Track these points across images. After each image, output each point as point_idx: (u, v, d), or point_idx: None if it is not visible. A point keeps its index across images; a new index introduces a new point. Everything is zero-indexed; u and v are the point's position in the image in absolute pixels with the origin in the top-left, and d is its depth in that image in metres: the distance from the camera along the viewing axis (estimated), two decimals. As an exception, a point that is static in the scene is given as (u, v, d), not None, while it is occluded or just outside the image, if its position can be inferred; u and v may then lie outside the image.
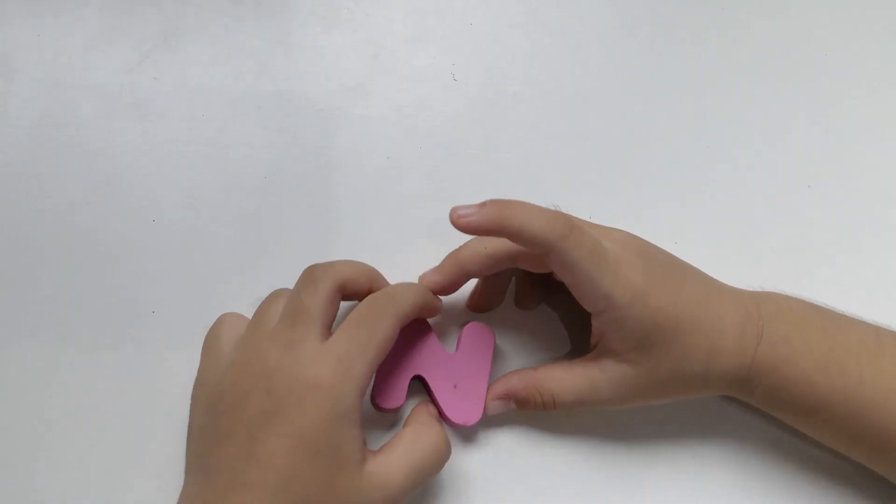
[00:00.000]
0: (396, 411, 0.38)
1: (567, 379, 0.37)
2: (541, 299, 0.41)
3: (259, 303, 0.36)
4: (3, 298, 0.40)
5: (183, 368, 0.38)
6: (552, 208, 0.37)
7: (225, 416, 0.32)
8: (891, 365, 0.35)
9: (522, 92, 0.47)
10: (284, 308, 0.34)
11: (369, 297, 0.35)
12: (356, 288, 0.35)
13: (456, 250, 0.38)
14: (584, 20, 0.49)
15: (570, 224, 0.33)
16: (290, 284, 0.41)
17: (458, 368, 0.38)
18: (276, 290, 0.36)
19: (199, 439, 0.33)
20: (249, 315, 0.36)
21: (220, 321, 0.36)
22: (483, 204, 0.34)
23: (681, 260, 0.38)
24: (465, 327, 0.39)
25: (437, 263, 0.40)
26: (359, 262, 0.37)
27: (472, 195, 0.44)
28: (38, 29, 0.46)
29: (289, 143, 0.44)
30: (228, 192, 0.43)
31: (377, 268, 0.42)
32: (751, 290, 0.38)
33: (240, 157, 0.44)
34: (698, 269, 0.38)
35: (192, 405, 0.35)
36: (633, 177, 0.45)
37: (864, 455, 0.37)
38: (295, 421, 0.31)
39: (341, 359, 0.32)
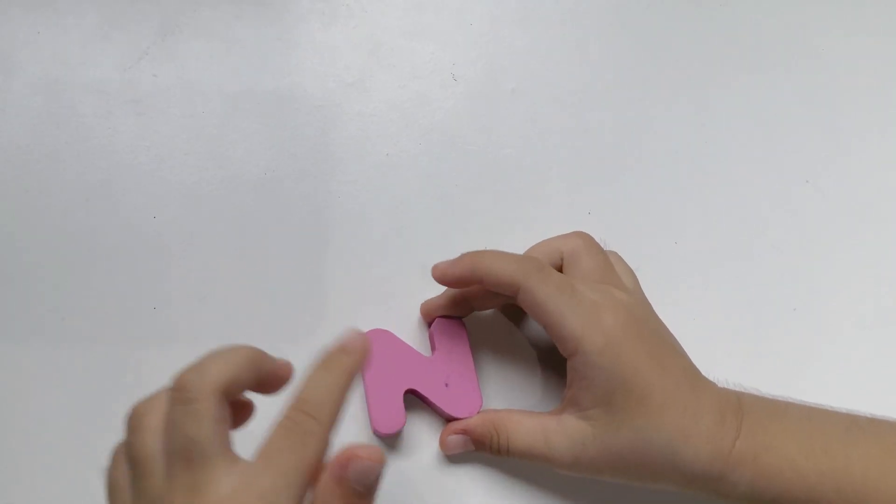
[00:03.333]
0: (400, 433, 0.38)
1: (525, 424, 0.36)
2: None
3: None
4: (2, 296, 0.41)
5: (182, 365, 0.38)
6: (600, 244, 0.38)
7: None
8: (874, 446, 0.33)
9: (521, 88, 0.47)
10: (167, 445, 0.26)
11: (288, 410, 0.28)
12: (242, 386, 0.28)
13: (476, 254, 0.36)
14: (582, 16, 0.49)
15: (538, 264, 0.34)
16: (291, 283, 0.41)
17: (442, 367, 0.38)
18: (136, 409, 0.29)
19: None
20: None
21: (115, 461, 0.29)
22: (458, 256, 0.36)
23: (673, 343, 0.36)
24: (433, 325, 0.39)
25: (435, 261, 0.40)
26: (233, 351, 0.29)
27: (472, 191, 0.44)
28: (38, 26, 0.46)
29: (288, 140, 0.44)
30: (228, 189, 0.43)
31: (377, 267, 0.42)
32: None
33: (239, 153, 0.44)
34: (687, 357, 0.36)
35: None
36: (632, 172, 0.45)
37: None
38: None
39: (264, 496, 0.25)
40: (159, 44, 0.46)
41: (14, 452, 0.38)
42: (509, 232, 0.43)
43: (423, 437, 0.39)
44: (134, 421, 0.28)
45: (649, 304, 0.37)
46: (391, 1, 0.48)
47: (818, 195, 0.45)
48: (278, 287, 0.41)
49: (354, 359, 0.29)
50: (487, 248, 0.37)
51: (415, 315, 0.41)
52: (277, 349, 0.40)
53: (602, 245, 0.39)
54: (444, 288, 0.40)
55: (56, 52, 0.46)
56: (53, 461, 0.38)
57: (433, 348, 0.39)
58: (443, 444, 0.38)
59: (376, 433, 0.37)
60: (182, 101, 0.45)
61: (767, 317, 0.42)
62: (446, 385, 0.38)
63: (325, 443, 0.27)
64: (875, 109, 0.48)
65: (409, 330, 0.41)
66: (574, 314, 0.33)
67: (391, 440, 0.39)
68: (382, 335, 0.38)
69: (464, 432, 0.37)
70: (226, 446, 0.27)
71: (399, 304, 0.41)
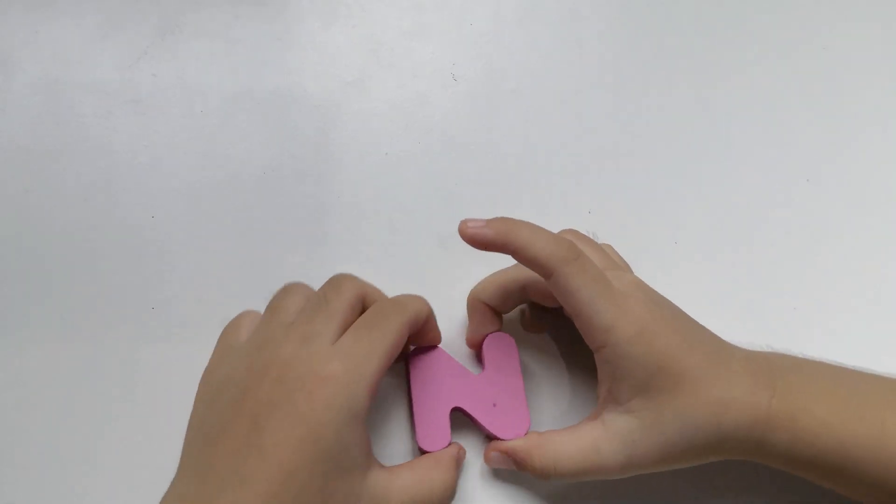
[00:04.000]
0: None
1: (570, 443, 0.34)
2: (548, 326, 0.41)
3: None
4: (1, 296, 0.41)
5: (182, 364, 0.38)
6: (589, 235, 0.38)
7: (229, 406, 0.31)
8: None
9: (521, 87, 0.47)
10: (306, 303, 0.34)
11: (377, 303, 0.34)
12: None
13: (514, 223, 0.35)
14: (582, 15, 0.49)
15: (575, 250, 0.33)
16: (287, 280, 0.41)
17: (490, 386, 0.37)
18: (289, 284, 0.36)
19: (195, 434, 0.32)
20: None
21: (240, 316, 0.36)
22: (492, 219, 0.34)
23: (689, 316, 0.36)
24: (485, 342, 0.38)
25: (435, 260, 0.40)
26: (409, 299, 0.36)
27: (471, 191, 0.44)
28: (37, 26, 0.46)
29: (287, 139, 0.44)
30: (227, 188, 0.43)
31: (377, 267, 0.42)
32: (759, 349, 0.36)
33: (238, 152, 0.44)
34: (706, 328, 0.36)
35: (195, 401, 0.34)
36: (632, 171, 0.45)
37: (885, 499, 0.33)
38: (304, 414, 0.30)
39: (352, 357, 0.31)
40: (159, 43, 0.46)
41: (14, 452, 0.38)
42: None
43: (469, 454, 0.38)
44: (281, 291, 0.35)
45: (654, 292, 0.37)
46: (391, 1, 0.48)
47: (819, 194, 0.45)
48: (277, 286, 0.41)
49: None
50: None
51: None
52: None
53: (594, 239, 0.39)
54: (449, 280, 0.40)
55: (55, 51, 0.46)
56: (53, 461, 0.38)
57: (483, 365, 0.38)
58: (486, 457, 0.37)
59: (421, 450, 0.36)
60: (181, 101, 0.45)
61: (768, 316, 0.42)
62: (494, 405, 0.37)
63: (405, 332, 0.33)
64: (876, 107, 0.48)
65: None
66: (605, 304, 0.33)
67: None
68: (431, 350, 0.38)
69: (507, 454, 0.36)
70: (344, 325, 0.33)
71: (398, 304, 0.41)
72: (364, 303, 0.35)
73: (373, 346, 0.32)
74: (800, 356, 0.36)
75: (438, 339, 0.38)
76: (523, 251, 0.33)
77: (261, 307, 0.40)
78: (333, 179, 0.44)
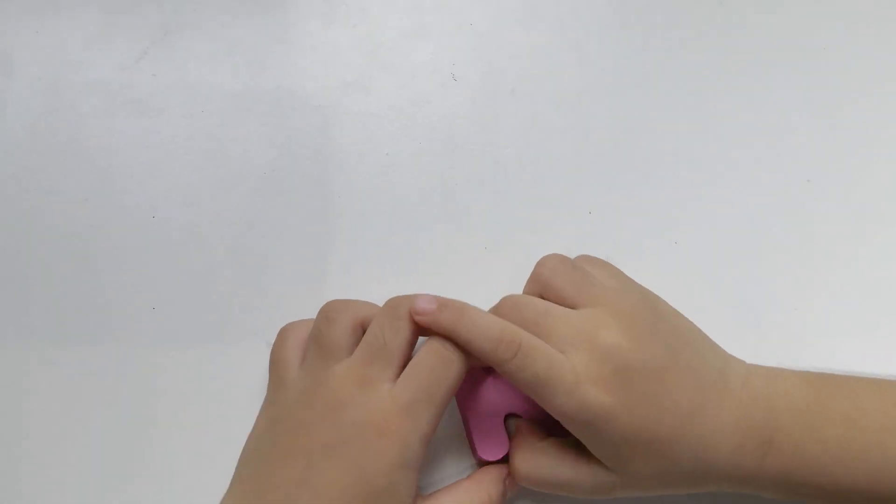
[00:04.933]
0: (505, 459, 0.36)
1: (558, 461, 0.35)
2: None
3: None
4: (1, 296, 0.41)
5: (182, 365, 0.38)
6: (603, 258, 0.38)
7: (287, 436, 0.32)
8: None
9: (521, 88, 0.47)
10: (365, 341, 0.34)
11: (435, 349, 0.33)
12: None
13: (459, 313, 0.34)
14: (583, 16, 0.49)
15: (514, 348, 0.32)
16: (289, 281, 0.41)
17: None
18: (330, 308, 0.35)
19: (254, 452, 0.33)
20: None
21: (282, 338, 0.36)
22: (441, 307, 0.33)
23: (681, 357, 0.34)
24: None
25: (435, 260, 0.40)
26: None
27: (472, 191, 0.44)
28: (37, 25, 0.46)
29: (287, 140, 0.44)
30: (228, 189, 0.43)
31: (377, 267, 0.42)
32: (764, 374, 0.35)
33: (239, 153, 0.44)
34: (704, 365, 0.34)
35: (256, 422, 0.35)
36: (633, 172, 0.45)
37: None
38: (358, 461, 0.31)
39: (410, 406, 0.32)
40: (159, 43, 0.46)
41: (13, 452, 0.38)
42: (509, 232, 0.43)
43: None
44: (332, 314, 0.35)
45: (640, 294, 0.36)
46: (391, 1, 0.48)
47: (820, 195, 0.45)
48: (278, 287, 0.41)
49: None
50: (468, 305, 0.34)
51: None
52: (277, 349, 0.40)
53: (608, 261, 0.39)
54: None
55: (55, 51, 0.46)
56: (53, 461, 0.38)
57: None
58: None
59: (481, 461, 0.36)
60: (181, 101, 0.45)
61: (769, 317, 0.42)
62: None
63: (459, 378, 0.33)
64: (878, 108, 0.48)
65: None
66: (557, 394, 0.32)
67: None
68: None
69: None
70: (402, 365, 0.33)
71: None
72: (423, 334, 0.34)
73: (430, 397, 0.32)
74: (812, 377, 0.35)
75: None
76: (464, 345, 0.33)
77: (261, 308, 0.41)
78: (333, 179, 0.44)
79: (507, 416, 0.37)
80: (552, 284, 0.36)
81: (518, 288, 0.41)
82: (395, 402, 0.32)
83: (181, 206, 0.43)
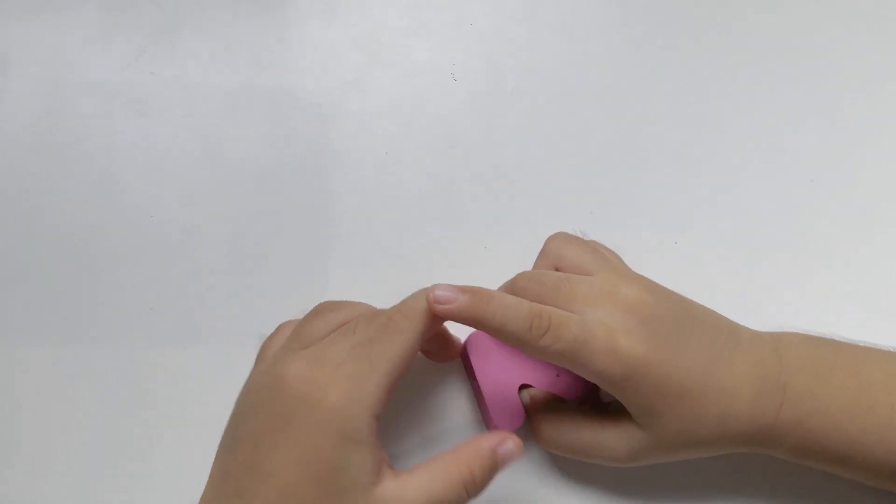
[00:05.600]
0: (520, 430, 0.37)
1: (584, 425, 0.36)
2: None
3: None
4: (0, 296, 0.40)
5: (180, 365, 0.38)
6: (577, 234, 0.38)
7: (240, 422, 0.32)
8: None
9: (522, 87, 0.47)
10: (337, 331, 0.33)
11: (383, 312, 0.33)
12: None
13: (485, 300, 0.33)
14: (583, 14, 0.49)
15: (545, 324, 0.32)
16: (289, 282, 0.41)
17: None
18: (321, 305, 0.35)
19: (223, 443, 0.33)
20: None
21: (276, 331, 0.36)
22: (463, 291, 0.32)
23: (694, 314, 0.36)
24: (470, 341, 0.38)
25: (435, 260, 0.40)
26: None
27: (472, 190, 0.44)
28: (36, 25, 0.46)
29: (287, 138, 0.44)
30: (226, 188, 0.43)
31: (377, 266, 0.42)
32: (770, 333, 0.37)
33: (238, 152, 0.44)
34: (714, 322, 0.36)
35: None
36: (634, 171, 0.45)
37: None
38: (300, 438, 0.30)
39: (350, 376, 0.31)
40: (158, 42, 0.46)
41: (12, 452, 0.38)
42: (510, 231, 0.43)
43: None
44: (322, 310, 0.35)
45: (647, 280, 0.37)
46: (391, 0, 0.48)
47: (823, 194, 0.45)
48: (277, 287, 0.41)
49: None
50: (494, 289, 0.34)
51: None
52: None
53: (582, 236, 0.39)
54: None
55: (54, 51, 0.45)
56: (53, 461, 0.37)
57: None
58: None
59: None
60: (181, 100, 0.45)
61: (770, 318, 0.42)
62: (557, 375, 0.37)
63: (412, 347, 0.32)
64: (880, 108, 0.47)
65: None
66: (592, 357, 0.33)
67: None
68: (486, 336, 0.38)
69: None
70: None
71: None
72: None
73: (373, 365, 0.31)
74: (814, 340, 0.36)
75: (455, 353, 0.38)
76: (494, 330, 0.33)
77: (260, 309, 0.41)
78: (333, 179, 0.44)
79: (520, 388, 0.37)
80: (566, 254, 0.37)
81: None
82: (336, 373, 0.31)
83: (180, 205, 0.43)
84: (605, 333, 0.33)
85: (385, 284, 0.41)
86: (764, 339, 0.36)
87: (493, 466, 0.32)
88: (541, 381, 0.37)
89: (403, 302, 0.33)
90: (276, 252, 0.42)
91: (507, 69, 0.47)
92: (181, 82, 0.45)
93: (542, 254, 0.39)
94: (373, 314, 0.33)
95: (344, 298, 0.41)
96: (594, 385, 0.36)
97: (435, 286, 0.32)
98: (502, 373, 0.37)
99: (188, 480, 0.37)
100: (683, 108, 0.47)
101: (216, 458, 0.33)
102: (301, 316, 0.40)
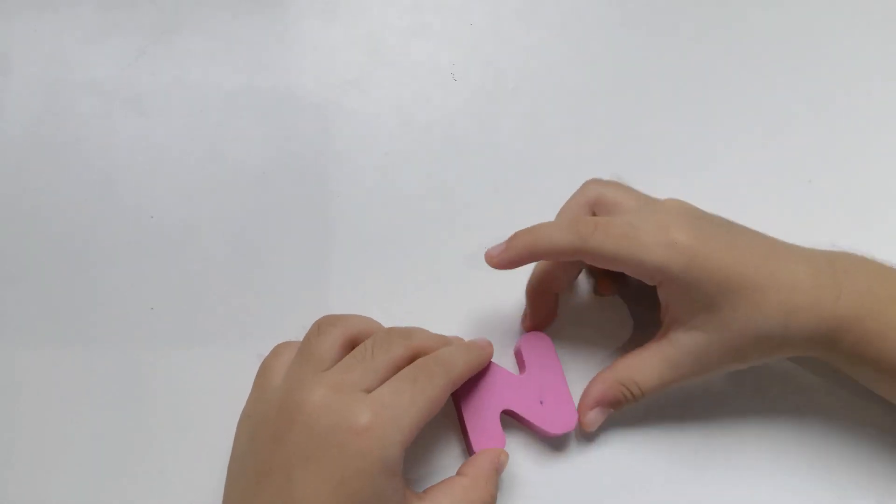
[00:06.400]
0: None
1: (645, 365, 0.36)
2: (618, 284, 0.41)
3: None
4: (0, 295, 0.40)
5: (181, 365, 0.38)
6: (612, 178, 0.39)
7: (265, 449, 0.31)
8: None
9: (522, 86, 0.47)
10: (351, 353, 0.33)
11: (421, 358, 0.33)
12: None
13: (528, 232, 0.36)
14: (583, 14, 0.49)
15: (591, 223, 0.34)
16: (288, 281, 0.41)
17: (534, 385, 0.37)
18: (324, 320, 0.35)
19: (238, 472, 0.32)
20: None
21: (275, 352, 0.35)
22: (510, 238, 0.35)
23: (739, 224, 0.37)
24: (520, 342, 0.39)
25: (434, 260, 0.40)
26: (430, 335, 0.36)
27: (471, 190, 0.44)
28: (35, 24, 0.46)
29: (287, 138, 0.44)
30: (226, 188, 0.43)
31: (377, 266, 0.42)
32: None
33: (237, 152, 0.44)
34: (759, 232, 0.37)
35: (236, 433, 0.34)
36: (633, 172, 0.45)
37: None
38: (337, 467, 0.29)
39: (388, 408, 0.30)
40: (157, 42, 0.46)
41: (10, 452, 0.38)
42: (510, 232, 0.43)
43: (520, 455, 0.38)
44: (324, 326, 0.34)
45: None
46: (391, 0, 0.48)
47: (821, 195, 0.45)
48: (277, 287, 0.41)
49: (486, 354, 0.36)
50: (536, 224, 0.36)
51: (414, 312, 0.41)
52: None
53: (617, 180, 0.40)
54: (440, 285, 0.40)
55: (54, 51, 0.45)
56: (52, 461, 0.37)
57: (522, 366, 0.38)
58: (584, 423, 0.37)
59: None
60: (180, 100, 0.45)
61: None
62: (541, 402, 0.37)
63: (445, 394, 0.32)
64: (879, 108, 0.47)
65: (408, 316, 0.40)
66: (647, 250, 0.33)
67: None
68: None
69: (598, 404, 0.37)
70: (383, 379, 0.32)
71: (399, 304, 0.41)
72: (415, 358, 0.34)
73: (413, 399, 0.31)
74: (863, 256, 0.36)
75: (486, 362, 0.37)
76: (548, 253, 0.35)
77: (260, 309, 0.41)
78: (333, 179, 0.44)
79: (502, 414, 0.37)
80: (605, 192, 0.37)
81: (517, 289, 0.41)
82: (374, 403, 0.30)
83: (180, 205, 0.43)
84: (656, 228, 0.34)
85: (385, 284, 0.41)
86: (813, 249, 0.36)
87: (497, 483, 0.35)
88: (523, 408, 0.37)
89: (440, 355, 0.34)
90: (276, 252, 0.42)
91: (507, 69, 0.47)
92: (181, 82, 0.45)
93: (579, 192, 0.39)
94: (386, 336, 0.34)
95: (344, 298, 0.41)
96: (575, 415, 0.37)
97: (487, 253, 0.36)
98: (485, 397, 0.37)
99: (188, 480, 0.37)
100: (683, 108, 0.47)
101: (233, 489, 0.32)
102: (300, 316, 0.40)
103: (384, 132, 0.45)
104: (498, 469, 0.35)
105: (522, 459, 0.38)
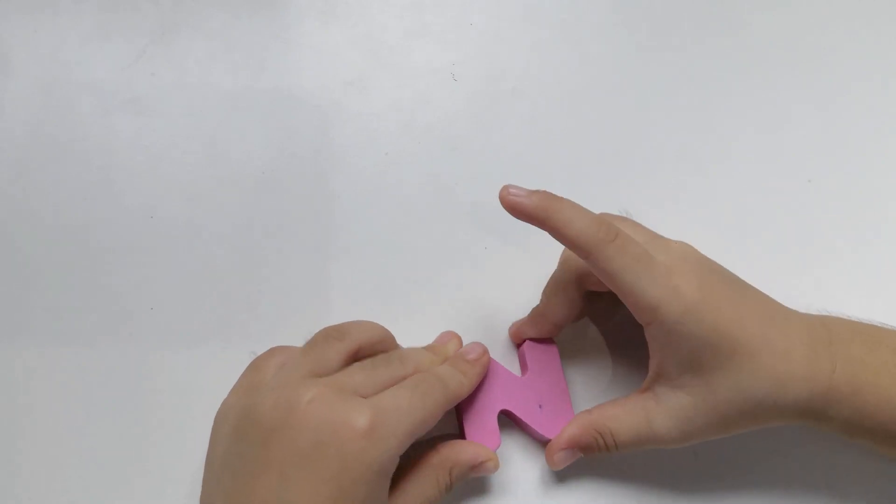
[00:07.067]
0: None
1: (623, 415, 0.34)
2: (584, 312, 0.39)
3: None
4: (0, 295, 0.40)
5: (180, 365, 0.38)
6: (620, 213, 0.37)
7: (258, 447, 0.30)
8: None
9: (521, 87, 0.47)
10: (358, 364, 0.33)
11: (420, 374, 0.33)
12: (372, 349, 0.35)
13: (557, 200, 0.34)
14: (583, 15, 0.49)
15: (613, 231, 0.32)
16: (289, 281, 0.41)
17: (535, 388, 0.37)
18: (334, 329, 0.34)
19: (223, 468, 0.31)
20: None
21: (270, 352, 0.34)
22: (535, 191, 0.33)
23: (744, 281, 0.35)
24: (524, 346, 0.39)
25: (435, 260, 0.40)
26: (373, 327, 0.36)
27: (472, 191, 0.44)
28: (35, 25, 0.46)
29: (286, 139, 0.44)
30: (226, 189, 0.43)
31: (377, 266, 0.42)
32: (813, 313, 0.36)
33: (237, 152, 0.44)
34: (762, 292, 0.35)
35: (216, 428, 0.33)
36: (633, 172, 0.45)
37: None
38: (334, 467, 0.29)
39: (387, 412, 0.30)
40: (157, 43, 0.46)
41: (11, 452, 0.37)
42: (510, 231, 0.43)
43: (516, 457, 0.38)
44: (334, 333, 0.34)
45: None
46: (391, 0, 0.48)
47: (821, 194, 0.45)
48: (277, 287, 0.41)
49: (482, 370, 0.36)
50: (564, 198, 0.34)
51: (414, 313, 0.41)
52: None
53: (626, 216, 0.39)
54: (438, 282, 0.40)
55: (54, 51, 0.45)
56: (50, 460, 0.37)
57: (524, 369, 0.38)
58: (551, 462, 0.36)
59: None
60: (180, 101, 0.45)
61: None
62: (540, 406, 0.37)
63: (441, 409, 0.32)
64: (878, 108, 0.47)
65: (408, 329, 0.41)
66: (650, 284, 0.32)
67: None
68: None
69: (569, 446, 0.35)
70: (382, 389, 0.32)
71: (399, 304, 0.41)
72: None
73: (412, 406, 0.31)
74: (856, 321, 0.35)
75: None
76: (562, 230, 0.33)
77: (260, 309, 0.40)
78: (333, 179, 0.44)
79: (500, 414, 0.37)
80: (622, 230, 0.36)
81: (517, 289, 0.41)
82: (374, 406, 0.30)
83: (180, 205, 0.42)
84: (665, 269, 0.32)
85: (385, 285, 0.41)
86: (809, 314, 0.35)
87: (466, 475, 0.34)
88: (522, 410, 0.37)
89: (440, 371, 0.34)
90: (276, 252, 0.42)
91: (508, 69, 0.47)
92: (181, 82, 0.45)
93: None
94: (388, 356, 0.34)
95: (344, 298, 0.41)
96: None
97: (506, 186, 0.33)
98: (484, 396, 0.36)
99: (187, 480, 0.37)
100: (682, 108, 0.47)
101: (216, 489, 0.31)
102: (300, 316, 0.40)
103: (384, 132, 0.45)
104: (473, 467, 0.34)
105: (521, 461, 0.38)
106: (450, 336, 0.38)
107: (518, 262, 0.42)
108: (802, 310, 0.36)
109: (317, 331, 0.39)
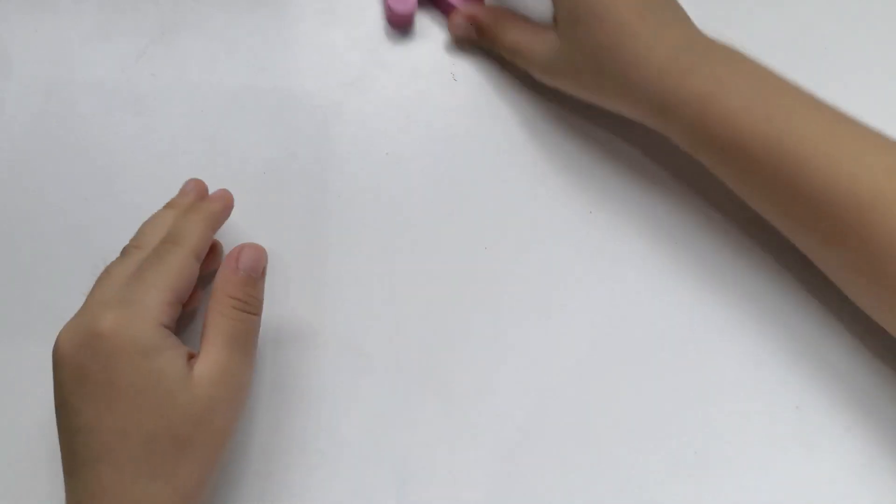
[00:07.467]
0: (411, 19, 0.45)
1: (518, 26, 0.42)
2: None
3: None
4: (0, 296, 0.40)
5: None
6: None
7: (66, 383, 0.33)
8: (822, 125, 0.35)
9: (521, 87, 0.47)
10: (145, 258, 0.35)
11: (161, 242, 0.35)
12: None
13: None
14: (583, 15, 0.49)
15: None
16: (289, 281, 0.41)
17: None
18: (151, 219, 0.37)
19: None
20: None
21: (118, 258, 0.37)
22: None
23: (682, 9, 0.39)
24: None
25: (434, 260, 0.40)
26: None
27: (473, 190, 0.44)
28: (36, 25, 0.46)
29: (287, 139, 0.44)
30: (226, 188, 0.43)
31: (376, 266, 0.42)
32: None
33: (238, 153, 0.44)
34: (697, 27, 0.39)
35: None
36: (633, 172, 0.45)
37: (788, 221, 0.37)
38: (101, 377, 0.31)
39: (125, 302, 0.32)
40: (158, 43, 0.46)
41: (11, 452, 0.38)
42: (510, 231, 0.43)
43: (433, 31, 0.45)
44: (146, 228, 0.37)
45: None
46: (391, 0, 0.48)
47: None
48: (276, 286, 0.41)
49: (219, 206, 0.38)
50: None
51: (414, 313, 0.41)
52: (277, 349, 0.40)
53: None
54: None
55: (54, 51, 0.45)
56: (52, 460, 0.37)
57: None
58: (451, 25, 0.45)
59: (391, 10, 0.44)
60: (180, 101, 0.45)
61: (770, 315, 0.42)
62: None
63: (186, 263, 0.34)
64: (880, 108, 0.47)
65: (409, 316, 0.41)
66: None
67: (402, 34, 0.46)
68: None
69: (469, 19, 0.44)
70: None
71: (399, 304, 0.41)
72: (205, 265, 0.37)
73: (151, 282, 0.33)
74: (748, 57, 0.37)
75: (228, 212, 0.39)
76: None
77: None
78: (333, 179, 0.44)
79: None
80: None
81: (517, 289, 0.41)
82: (114, 304, 0.33)
83: (180, 205, 0.42)
84: None
85: (385, 284, 0.41)
86: (705, 35, 0.38)
87: (250, 281, 0.35)
88: None
89: (169, 233, 0.35)
90: (276, 252, 0.42)
91: (507, 69, 0.47)
92: (181, 82, 0.45)
93: None
94: (134, 242, 0.36)
95: (343, 298, 0.41)
96: None
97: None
98: None
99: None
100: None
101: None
102: (301, 316, 0.40)
103: (384, 133, 0.45)
104: (241, 267, 0.35)
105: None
106: (193, 184, 0.39)
107: (518, 262, 0.42)
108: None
109: (315, 330, 0.39)
